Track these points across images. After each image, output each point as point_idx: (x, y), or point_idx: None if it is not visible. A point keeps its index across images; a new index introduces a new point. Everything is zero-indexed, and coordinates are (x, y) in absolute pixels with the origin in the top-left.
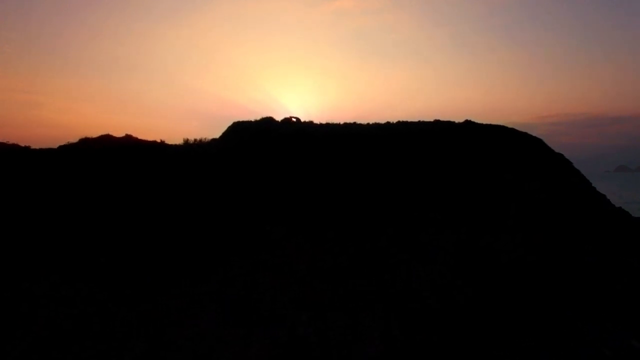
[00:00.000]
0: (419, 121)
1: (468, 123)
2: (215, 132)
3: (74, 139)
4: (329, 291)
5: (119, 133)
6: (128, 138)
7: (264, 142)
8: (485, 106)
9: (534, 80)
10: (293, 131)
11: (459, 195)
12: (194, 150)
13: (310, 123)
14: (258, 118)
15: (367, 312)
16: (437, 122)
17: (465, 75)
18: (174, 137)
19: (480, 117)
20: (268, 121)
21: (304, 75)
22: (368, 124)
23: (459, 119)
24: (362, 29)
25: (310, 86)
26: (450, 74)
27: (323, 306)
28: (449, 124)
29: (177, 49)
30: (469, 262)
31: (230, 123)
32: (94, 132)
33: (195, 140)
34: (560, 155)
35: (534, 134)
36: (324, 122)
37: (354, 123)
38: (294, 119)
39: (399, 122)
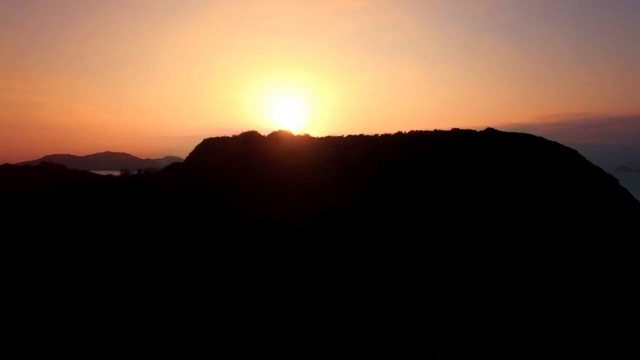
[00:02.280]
0: (435, 130)
1: (490, 131)
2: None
3: (74, 139)
4: (308, 294)
5: (119, 133)
6: (45, 167)
7: (243, 166)
8: (486, 106)
9: (534, 80)
10: (281, 151)
11: (454, 202)
12: (137, 180)
13: (306, 136)
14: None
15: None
16: (455, 131)
17: (466, 75)
18: (174, 138)
19: (481, 117)
20: (250, 138)
21: (303, 76)
22: (376, 135)
23: (459, 118)
24: (364, 29)
25: (310, 88)
26: (451, 73)
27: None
28: (466, 134)
29: (177, 48)
30: (462, 269)
31: (230, 124)
32: (94, 132)
33: (139, 170)
34: (598, 170)
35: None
36: (324, 132)
37: (361, 135)
38: (284, 132)
39: (412, 132)
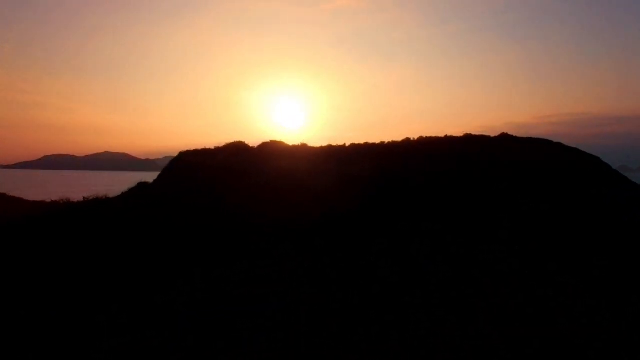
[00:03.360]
0: (446, 136)
1: (504, 136)
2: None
3: (74, 139)
4: (307, 295)
5: (119, 133)
6: None
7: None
8: (486, 106)
9: (534, 80)
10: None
11: (455, 206)
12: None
13: (303, 146)
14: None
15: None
16: (467, 137)
17: (465, 74)
18: (174, 138)
19: (480, 117)
20: (236, 150)
21: (303, 77)
22: (382, 142)
23: (459, 118)
24: (362, 29)
25: (309, 89)
26: (451, 73)
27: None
28: (479, 140)
29: (176, 49)
30: (462, 273)
31: (230, 124)
32: (94, 132)
33: (98, 196)
34: (624, 179)
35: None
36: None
37: (365, 143)
38: (277, 144)
39: (420, 138)
